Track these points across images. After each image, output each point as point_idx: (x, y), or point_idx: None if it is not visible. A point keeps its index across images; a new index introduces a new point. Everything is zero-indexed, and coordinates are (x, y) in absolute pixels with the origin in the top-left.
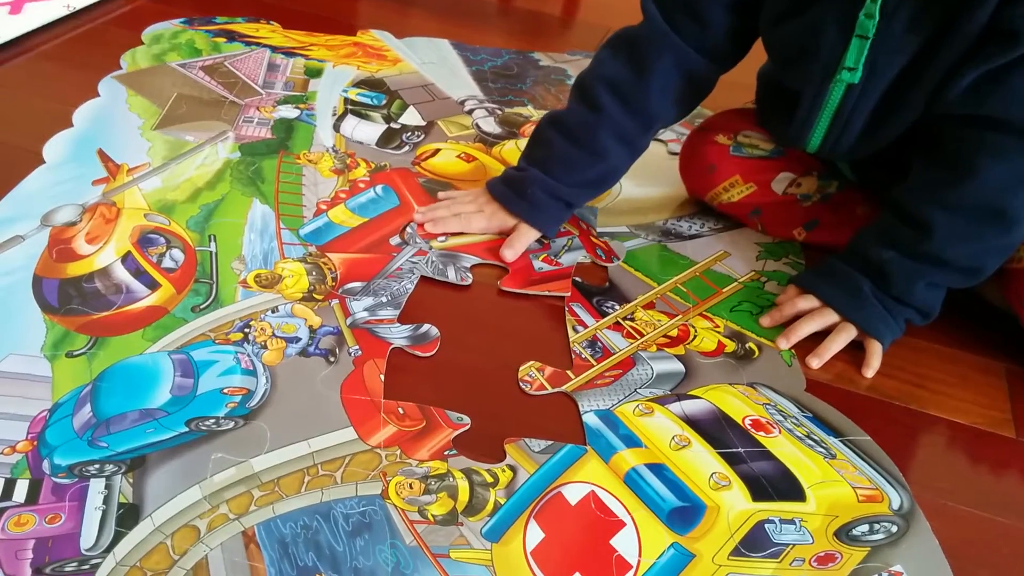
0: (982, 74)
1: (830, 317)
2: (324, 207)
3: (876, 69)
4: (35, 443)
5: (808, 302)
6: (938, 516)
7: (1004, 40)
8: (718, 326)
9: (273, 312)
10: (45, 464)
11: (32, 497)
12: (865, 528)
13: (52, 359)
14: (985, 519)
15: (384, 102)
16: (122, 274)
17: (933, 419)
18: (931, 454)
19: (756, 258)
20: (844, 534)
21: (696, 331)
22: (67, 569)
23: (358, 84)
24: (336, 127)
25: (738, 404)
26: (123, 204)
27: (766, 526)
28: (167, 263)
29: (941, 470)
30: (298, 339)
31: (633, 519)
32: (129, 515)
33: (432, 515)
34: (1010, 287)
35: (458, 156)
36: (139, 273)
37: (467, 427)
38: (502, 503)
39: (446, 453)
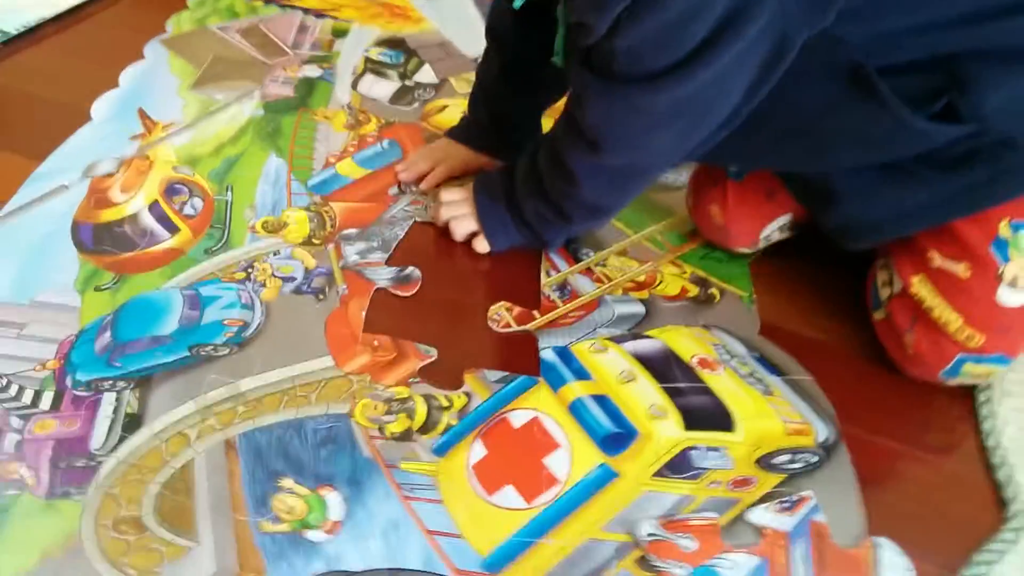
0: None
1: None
2: (333, 160)
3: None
4: (62, 362)
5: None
6: (862, 448)
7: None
8: (685, 271)
9: (275, 255)
10: (68, 379)
11: (55, 406)
12: (786, 458)
13: (82, 292)
14: (903, 451)
15: (402, 61)
16: (148, 220)
17: (875, 361)
18: (866, 392)
19: None
20: (765, 462)
21: (663, 276)
22: (77, 464)
23: (380, 43)
24: (354, 85)
25: (689, 344)
26: (155, 157)
27: (691, 452)
28: (188, 210)
29: (872, 407)
30: (294, 279)
31: (569, 441)
32: (133, 423)
33: (390, 432)
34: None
35: (463, 111)
36: (163, 219)
37: (433, 358)
38: (454, 424)
39: (411, 380)
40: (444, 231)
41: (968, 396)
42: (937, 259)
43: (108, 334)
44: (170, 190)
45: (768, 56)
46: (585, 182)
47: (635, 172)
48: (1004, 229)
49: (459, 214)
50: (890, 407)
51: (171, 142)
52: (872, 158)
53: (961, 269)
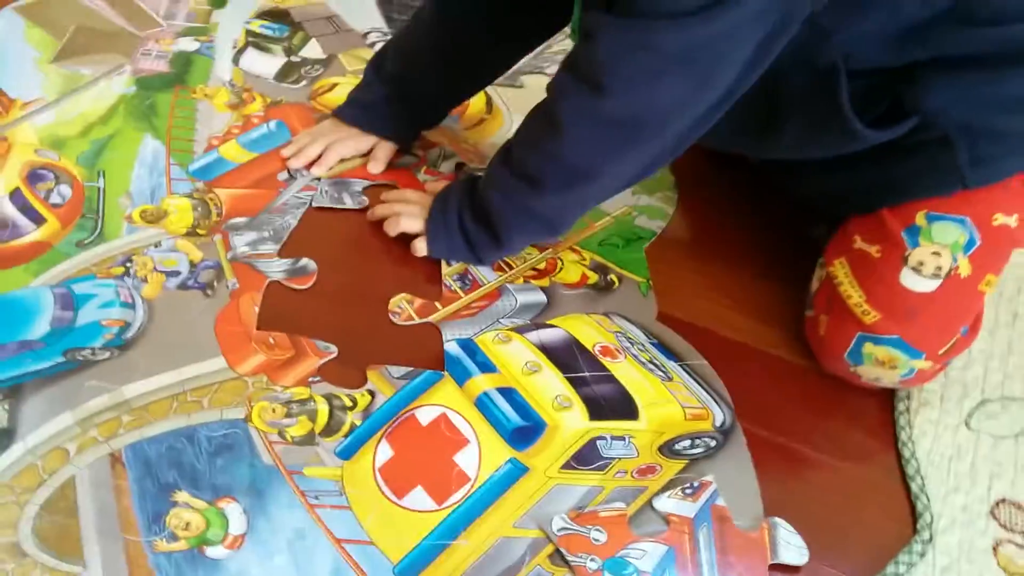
0: None
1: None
2: (215, 143)
3: None
4: None
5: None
6: (773, 451)
7: None
8: (584, 259)
9: (156, 247)
10: None
11: None
12: (687, 443)
13: None
14: (818, 458)
15: (287, 34)
16: (9, 210)
17: (767, 354)
18: (759, 382)
19: (631, 193)
20: (667, 449)
21: (563, 263)
22: None
23: (262, 15)
24: (235, 60)
25: (590, 332)
26: (14, 140)
27: (598, 442)
28: (54, 199)
29: (766, 397)
30: (178, 273)
31: (478, 437)
32: (3, 438)
33: (291, 436)
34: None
35: None
36: (26, 208)
37: (333, 355)
38: (358, 424)
39: (310, 380)
40: (340, 220)
41: (887, 405)
42: (858, 241)
43: None
44: (33, 176)
45: (772, 28)
46: (571, 132)
47: (626, 128)
48: (920, 218)
49: (408, 212)
50: (806, 407)
51: (32, 122)
52: (817, 154)
53: (874, 250)
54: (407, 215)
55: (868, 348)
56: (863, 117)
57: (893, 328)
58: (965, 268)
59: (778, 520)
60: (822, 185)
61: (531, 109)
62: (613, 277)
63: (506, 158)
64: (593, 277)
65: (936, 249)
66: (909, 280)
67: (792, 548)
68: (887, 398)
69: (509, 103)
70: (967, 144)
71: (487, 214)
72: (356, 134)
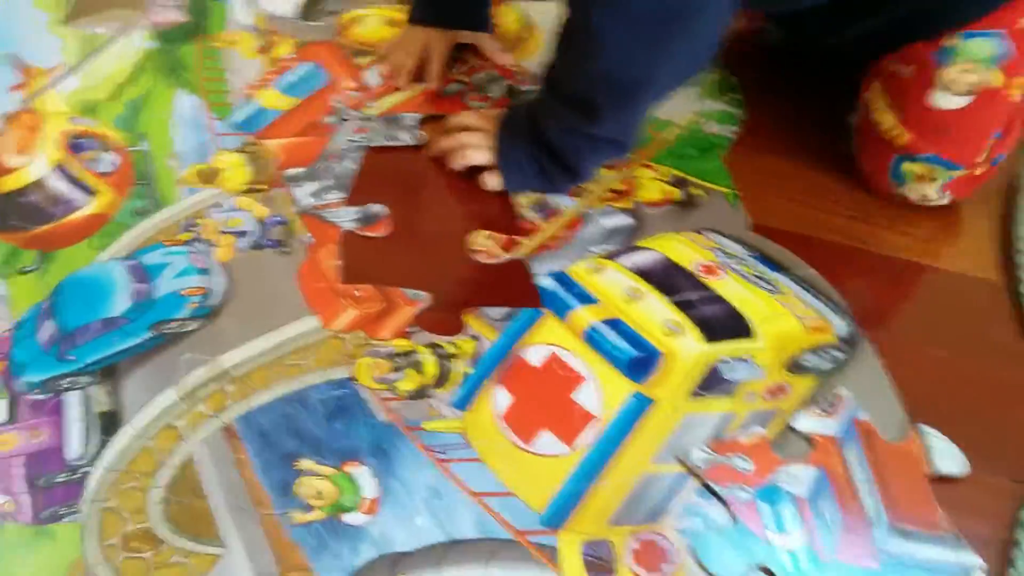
0: None
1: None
2: (252, 91)
3: None
4: (5, 362)
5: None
6: (905, 358)
7: None
8: (661, 174)
9: (217, 208)
10: (17, 383)
11: (12, 416)
12: (812, 357)
13: (6, 277)
14: (949, 359)
15: None
16: (58, 184)
17: (874, 254)
18: (872, 286)
19: (696, 98)
20: (793, 365)
21: (640, 181)
22: (58, 480)
23: None
24: (253, 2)
25: (686, 251)
26: (44, 109)
27: (719, 366)
28: (102, 167)
29: (883, 301)
30: (246, 232)
31: (594, 373)
32: (110, 423)
33: (402, 391)
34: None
35: (383, 22)
36: (75, 181)
37: (426, 303)
38: (468, 372)
39: (409, 330)
40: (402, 158)
41: (1011, 297)
42: (892, 63)
43: (51, 323)
44: (74, 146)
45: None
46: (609, 41)
47: (664, 17)
48: (953, 39)
49: (474, 143)
50: (895, 297)
51: (58, 89)
52: None
53: (907, 70)
54: (473, 147)
55: (906, 166)
56: None
57: (925, 147)
58: (997, 79)
59: (927, 428)
60: (859, 30)
61: (560, 29)
62: (696, 191)
63: (553, 87)
64: (675, 193)
65: (967, 66)
66: (940, 99)
67: (949, 456)
68: (1015, 286)
69: (542, 19)
70: None
71: (552, 146)
72: (435, 36)
